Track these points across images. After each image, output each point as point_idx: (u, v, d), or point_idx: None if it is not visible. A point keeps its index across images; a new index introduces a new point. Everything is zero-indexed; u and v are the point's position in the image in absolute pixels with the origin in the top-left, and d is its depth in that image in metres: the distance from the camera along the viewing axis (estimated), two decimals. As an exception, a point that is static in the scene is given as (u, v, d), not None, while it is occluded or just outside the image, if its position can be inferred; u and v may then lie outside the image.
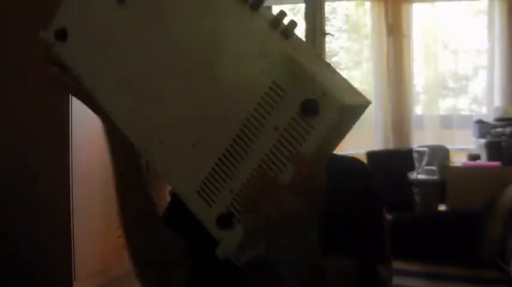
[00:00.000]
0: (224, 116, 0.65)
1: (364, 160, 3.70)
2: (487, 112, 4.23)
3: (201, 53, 0.67)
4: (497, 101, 4.18)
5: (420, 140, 4.23)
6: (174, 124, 0.69)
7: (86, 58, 0.73)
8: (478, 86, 4.64)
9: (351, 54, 4.88)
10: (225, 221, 0.65)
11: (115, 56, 0.72)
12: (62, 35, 0.73)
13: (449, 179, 3.15)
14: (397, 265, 2.37)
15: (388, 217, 2.72)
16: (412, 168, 3.54)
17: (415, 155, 3.58)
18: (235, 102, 0.64)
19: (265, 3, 0.94)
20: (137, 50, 0.71)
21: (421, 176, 3.45)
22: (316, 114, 0.59)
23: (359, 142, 3.89)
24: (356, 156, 1.09)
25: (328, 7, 4.14)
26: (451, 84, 4.73)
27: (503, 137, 3.37)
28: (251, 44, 0.64)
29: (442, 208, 3.29)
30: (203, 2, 0.69)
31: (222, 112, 0.66)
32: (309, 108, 0.60)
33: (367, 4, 4.52)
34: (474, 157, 3.44)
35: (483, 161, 3.36)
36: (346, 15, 4.92)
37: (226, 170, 0.65)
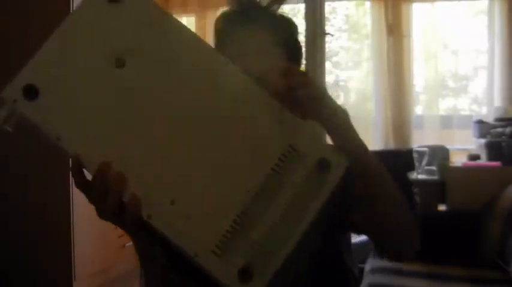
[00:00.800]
0: (243, 176, 0.69)
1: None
2: (487, 112, 4.22)
3: (217, 117, 0.71)
4: (497, 101, 4.18)
5: (420, 140, 4.23)
6: (189, 185, 0.68)
7: (68, 118, 0.68)
8: (478, 86, 4.63)
9: (351, 54, 4.87)
10: (246, 273, 0.67)
11: (115, 116, 0.69)
12: (32, 92, 0.68)
13: (449, 179, 3.15)
14: (397, 264, 2.37)
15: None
16: (412, 168, 3.54)
17: (415, 155, 3.58)
18: (254, 161, 0.70)
19: (265, 3, 0.94)
20: (141, 106, 0.69)
21: (421, 176, 3.44)
22: (328, 170, 0.71)
23: (359, 142, 3.87)
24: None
25: (328, 7, 4.13)
26: (451, 84, 4.72)
27: (503, 137, 3.37)
28: (265, 111, 0.71)
29: (442, 208, 3.28)
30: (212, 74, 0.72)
31: (241, 170, 0.70)
32: (323, 166, 0.71)
33: (367, 4, 4.52)
34: (474, 157, 3.44)
35: (483, 161, 3.35)
36: (346, 15, 4.92)
37: (246, 225, 0.68)
